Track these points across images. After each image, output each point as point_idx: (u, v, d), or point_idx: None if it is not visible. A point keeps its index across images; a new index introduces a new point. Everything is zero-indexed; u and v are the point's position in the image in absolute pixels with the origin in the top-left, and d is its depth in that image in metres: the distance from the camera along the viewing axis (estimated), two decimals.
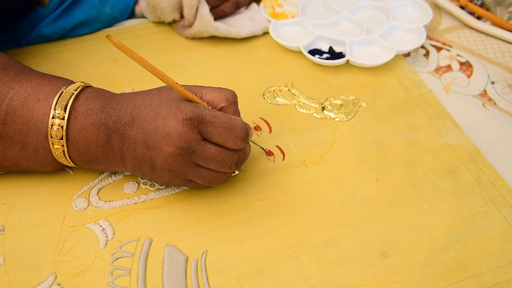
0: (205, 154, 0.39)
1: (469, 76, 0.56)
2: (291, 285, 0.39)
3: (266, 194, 0.44)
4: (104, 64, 0.56)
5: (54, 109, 0.40)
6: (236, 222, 0.42)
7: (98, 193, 0.44)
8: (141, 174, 0.42)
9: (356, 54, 0.56)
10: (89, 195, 0.44)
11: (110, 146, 0.40)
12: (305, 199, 0.44)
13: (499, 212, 0.43)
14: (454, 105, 0.52)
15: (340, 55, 0.56)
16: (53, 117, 0.39)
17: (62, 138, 0.40)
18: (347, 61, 0.55)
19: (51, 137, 0.40)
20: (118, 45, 0.36)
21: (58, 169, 0.44)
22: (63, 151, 0.40)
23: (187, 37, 0.59)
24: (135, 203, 0.43)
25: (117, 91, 0.52)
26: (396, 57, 0.56)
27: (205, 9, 0.55)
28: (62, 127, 0.39)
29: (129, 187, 0.44)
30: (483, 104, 0.53)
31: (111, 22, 0.60)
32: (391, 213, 0.43)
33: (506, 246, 0.41)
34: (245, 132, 0.40)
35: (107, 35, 0.36)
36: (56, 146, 0.40)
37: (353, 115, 0.51)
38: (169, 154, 0.38)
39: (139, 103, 0.41)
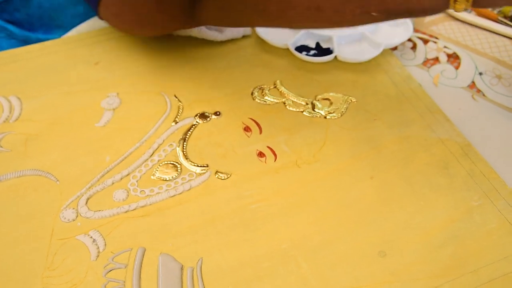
0: None
1: (456, 67, 0.56)
2: None
3: (260, 197, 0.43)
4: (87, 67, 0.54)
5: None
6: (231, 227, 0.41)
7: (86, 202, 0.43)
8: None
9: (343, 50, 0.55)
10: (77, 205, 0.42)
11: None
12: (299, 200, 0.43)
13: (493, 205, 0.43)
14: (443, 98, 0.52)
15: (328, 51, 0.55)
16: None
17: None
18: (335, 57, 0.54)
19: None
20: None
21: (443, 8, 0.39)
22: None
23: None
24: (126, 212, 0.42)
25: (101, 95, 0.51)
26: (384, 51, 0.56)
27: None
28: None
29: (119, 195, 0.43)
30: (472, 96, 0.53)
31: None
32: (387, 211, 0.42)
33: (502, 240, 0.41)
34: None
35: None
36: None
37: (343, 112, 0.50)
38: None
39: None
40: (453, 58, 0.57)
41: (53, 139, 0.47)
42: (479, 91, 0.53)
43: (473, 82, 0.54)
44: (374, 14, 0.40)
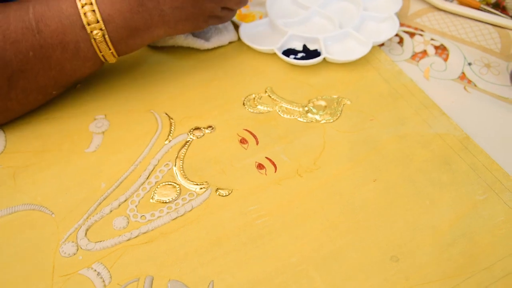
0: None
1: (445, 59, 0.56)
2: None
3: (264, 211, 0.42)
4: (68, 91, 0.52)
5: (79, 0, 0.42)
6: (239, 246, 0.40)
7: (86, 234, 0.41)
8: (184, 24, 0.46)
9: (331, 50, 0.54)
10: (76, 238, 0.41)
11: (145, 9, 0.43)
12: (305, 210, 0.42)
13: (499, 198, 0.43)
14: (436, 92, 0.52)
15: (315, 53, 0.54)
16: (82, 6, 0.42)
17: (98, 21, 0.42)
18: (324, 58, 0.53)
19: (88, 24, 0.42)
20: None
21: (98, 67, 0.47)
22: (104, 34, 0.43)
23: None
24: (128, 240, 0.41)
25: (88, 118, 0.49)
26: (372, 48, 0.55)
27: None
28: (93, 10, 0.42)
29: (119, 222, 0.42)
30: (464, 87, 0.53)
31: None
32: (394, 214, 0.42)
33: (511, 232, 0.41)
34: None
35: None
36: (96, 32, 0.42)
37: (338, 115, 0.49)
38: None
39: None
40: (441, 50, 0.56)
41: (43, 169, 0.45)
42: (470, 81, 0.53)
43: (463, 73, 0.54)
44: (54, 92, 0.47)
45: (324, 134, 0.48)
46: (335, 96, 0.51)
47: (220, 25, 0.57)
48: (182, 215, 0.42)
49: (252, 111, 0.50)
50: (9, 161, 0.46)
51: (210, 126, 0.48)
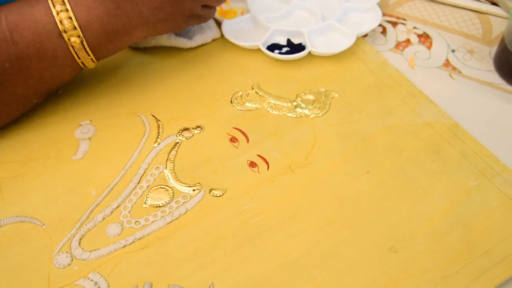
0: None
1: (429, 47, 0.56)
2: None
3: (259, 210, 0.42)
4: (50, 97, 0.51)
5: (54, 7, 0.40)
6: (236, 246, 0.40)
7: (80, 243, 0.40)
8: (163, 24, 0.45)
9: (316, 44, 0.54)
10: (70, 248, 0.40)
11: (122, 10, 0.42)
12: (300, 207, 0.42)
13: (491, 183, 0.43)
14: (422, 80, 0.52)
15: (300, 46, 0.54)
16: (57, 14, 0.40)
17: (75, 28, 0.41)
18: (309, 52, 0.53)
19: (65, 32, 0.41)
20: None
21: (77, 73, 0.45)
22: (82, 41, 0.41)
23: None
24: (124, 247, 0.40)
25: (73, 124, 0.48)
26: (356, 39, 0.55)
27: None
28: (70, 17, 0.40)
29: (113, 230, 0.41)
30: (450, 75, 0.53)
31: None
32: (389, 205, 0.42)
33: (506, 216, 0.41)
34: None
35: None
36: (73, 39, 0.41)
37: (327, 108, 0.49)
38: None
39: None
40: (424, 38, 0.57)
41: (30, 179, 0.44)
42: (454, 68, 0.54)
43: (447, 60, 0.55)
44: (34, 101, 0.46)
45: (314, 128, 0.47)
46: (322, 90, 0.51)
47: (203, 24, 0.56)
48: (177, 218, 0.42)
49: (240, 108, 0.49)
50: None
51: (198, 126, 0.48)
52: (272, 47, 0.54)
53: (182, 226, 0.41)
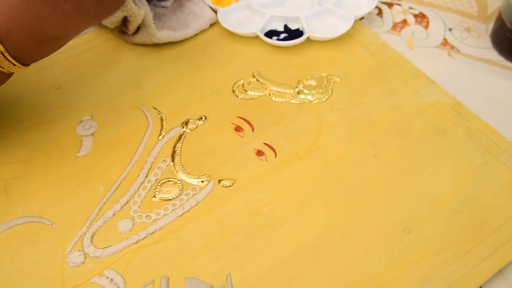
0: None
1: (426, 27, 0.56)
2: (324, 287, 0.37)
3: (270, 198, 0.42)
4: (48, 94, 0.50)
5: None
6: (249, 236, 0.40)
7: (91, 241, 0.40)
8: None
9: (313, 28, 0.54)
10: (82, 246, 0.39)
11: (59, 11, 0.33)
12: (310, 193, 0.42)
13: (497, 160, 0.43)
14: (422, 60, 0.52)
15: (298, 32, 0.54)
16: None
17: None
18: (307, 37, 0.53)
19: None
20: None
21: (7, 79, 0.39)
22: (1, 52, 0.34)
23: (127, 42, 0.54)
24: (137, 242, 0.40)
25: (74, 121, 0.48)
26: (354, 23, 0.54)
27: (150, 20, 0.50)
28: None
29: (124, 225, 0.40)
30: (449, 53, 0.53)
31: None
32: (399, 187, 0.42)
33: None
34: None
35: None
36: None
37: (330, 93, 0.49)
38: None
39: None
40: (420, 17, 0.57)
41: (35, 179, 0.43)
42: (453, 47, 0.54)
43: (445, 39, 0.55)
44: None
45: (319, 114, 0.47)
46: (324, 75, 0.50)
47: (197, 9, 0.55)
48: (188, 211, 0.41)
49: (243, 97, 0.49)
50: None
51: (202, 117, 0.47)
52: (270, 34, 0.53)
53: (193, 218, 0.41)
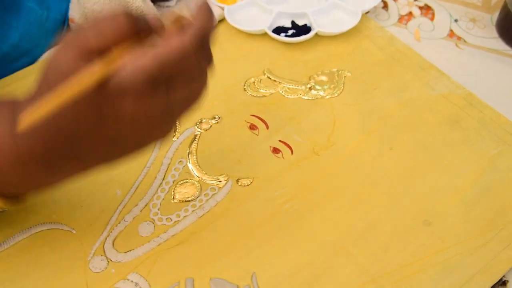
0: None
1: (431, 19, 0.56)
2: (351, 281, 0.37)
3: (290, 195, 0.42)
4: None
5: None
6: (272, 233, 0.40)
7: (113, 245, 0.39)
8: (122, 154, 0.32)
9: (321, 23, 0.54)
10: (104, 251, 0.39)
11: (57, 169, 0.30)
12: (329, 189, 0.42)
13: None
14: (430, 52, 0.52)
15: (305, 28, 0.53)
16: None
17: None
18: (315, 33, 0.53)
19: None
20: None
21: None
22: None
23: None
24: (159, 245, 0.39)
25: None
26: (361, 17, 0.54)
27: None
28: None
29: (144, 228, 0.40)
30: (456, 45, 0.53)
31: (55, 29, 0.53)
32: (416, 179, 0.42)
33: None
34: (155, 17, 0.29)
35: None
36: None
37: (342, 88, 0.49)
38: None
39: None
40: (426, 9, 0.57)
41: None
42: (459, 38, 0.54)
43: (451, 30, 0.55)
44: None
45: (332, 109, 0.47)
46: (334, 70, 0.50)
47: None
48: (208, 211, 0.41)
49: (255, 95, 0.49)
50: None
51: (215, 117, 0.47)
52: (278, 30, 0.53)
53: (214, 218, 0.41)
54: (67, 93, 0.25)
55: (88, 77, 0.25)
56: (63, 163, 0.30)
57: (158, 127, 0.30)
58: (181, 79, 0.28)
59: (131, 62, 0.26)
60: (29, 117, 0.25)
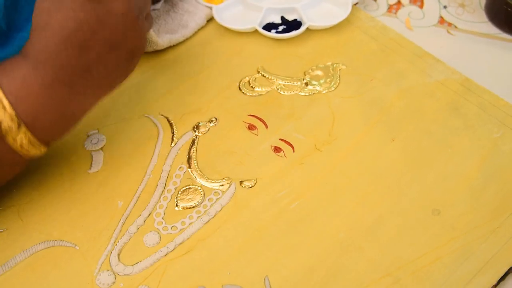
0: None
1: (421, 6, 0.56)
2: (367, 277, 0.37)
3: (295, 194, 0.41)
4: None
5: None
6: (281, 234, 0.39)
7: (119, 259, 0.38)
8: (121, 73, 0.39)
9: (311, 17, 0.53)
10: (110, 265, 0.38)
11: (77, 91, 0.35)
12: (335, 185, 0.41)
13: None
14: (422, 40, 0.52)
15: (295, 22, 0.53)
16: None
17: (20, 126, 0.33)
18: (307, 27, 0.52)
19: (7, 133, 0.33)
20: None
21: (24, 168, 0.38)
22: (29, 140, 0.34)
23: None
24: (166, 254, 0.38)
25: (81, 136, 0.46)
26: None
27: (151, 32, 0.49)
28: (10, 116, 0.33)
29: (149, 238, 0.39)
30: (447, 31, 0.53)
31: None
32: (422, 169, 0.42)
33: None
34: None
35: None
36: (19, 138, 0.34)
37: (338, 81, 0.48)
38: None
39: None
40: None
41: (48, 200, 0.42)
42: (450, 24, 0.54)
43: (441, 17, 0.55)
44: None
45: (330, 103, 0.47)
46: (329, 63, 0.50)
47: (190, 7, 0.54)
48: (213, 217, 0.40)
49: (250, 94, 0.48)
50: (8, 200, 0.42)
51: (212, 119, 0.46)
52: (268, 27, 0.52)
53: (221, 223, 0.40)
54: None
55: None
56: (81, 81, 0.35)
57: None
58: None
59: None
60: None
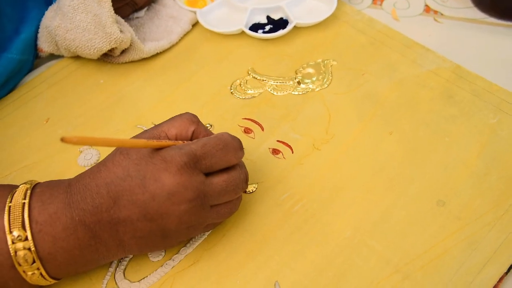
0: (217, 189, 0.34)
1: None
2: (376, 274, 0.36)
3: (298, 196, 0.41)
4: (36, 128, 0.47)
5: (11, 232, 0.32)
6: (287, 238, 0.38)
7: (124, 275, 0.37)
8: (151, 249, 0.36)
9: (297, 15, 0.52)
10: (116, 283, 0.37)
11: (99, 241, 0.33)
12: (336, 183, 0.41)
13: (510, 116, 0.44)
14: (410, 30, 0.52)
15: (282, 21, 0.52)
16: (13, 242, 0.32)
17: (34, 261, 0.32)
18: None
19: (20, 265, 0.32)
20: (81, 141, 0.28)
21: None
22: (40, 273, 0.33)
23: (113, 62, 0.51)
24: (173, 267, 0.38)
25: (73, 153, 0.44)
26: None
27: (135, 38, 0.48)
28: (29, 249, 0.32)
29: (154, 252, 0.38)
30: (434, 19, 0.53)
31: (21, 68, 0.50)
32: (422, 160, 0.42)
33: None
34: (237, 140, 0.36)
35: (61, 138, 0.26)
36: (30, 273, 0.32)
37: (330, 78, 0.48)
38: (183, 212, 0.33)
39: (111, 178, 0.33)
40: None
41: None
42: (436, 12, 0.54)
43: (426, 5, 0.55)
44: None
45: (324, 101, 0.46)
46: (319, 60, 0.49)
47: (174, 12, 0.53)
48: (219, 227, 0.39)
49: (243, 97, 0.47)
50: None
51: (207, 125, 0.45)
52: (254, 27, 0.52)
53: (225, 230, 0.39)
54: (124, 142, 0.33)
55: (146, 142, 0.33)
56: (107, 234, 0.33)
57: (193, 214, 0.34)
58: (219, 165, 0.34)
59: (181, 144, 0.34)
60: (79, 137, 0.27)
